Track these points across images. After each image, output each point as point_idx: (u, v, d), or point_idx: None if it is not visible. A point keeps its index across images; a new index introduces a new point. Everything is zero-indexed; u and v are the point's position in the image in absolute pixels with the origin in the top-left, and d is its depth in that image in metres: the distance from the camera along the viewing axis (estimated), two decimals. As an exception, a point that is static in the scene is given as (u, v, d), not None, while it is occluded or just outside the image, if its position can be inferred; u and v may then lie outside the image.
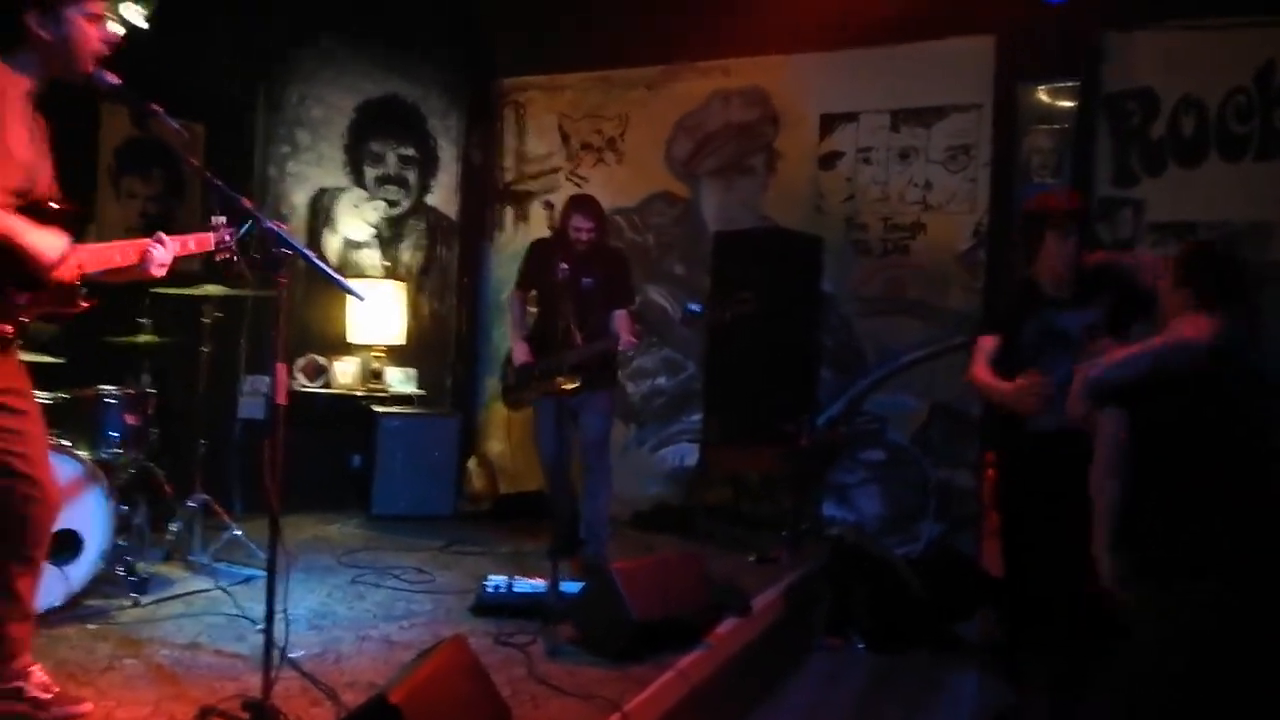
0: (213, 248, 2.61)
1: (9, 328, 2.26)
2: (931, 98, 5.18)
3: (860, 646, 4.20)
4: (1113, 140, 4.78)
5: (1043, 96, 4.91)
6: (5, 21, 2.31)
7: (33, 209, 2.29)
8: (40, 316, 2.35)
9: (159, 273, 2.51)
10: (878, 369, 5.28)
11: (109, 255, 2.45)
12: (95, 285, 2.46)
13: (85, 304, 2.43)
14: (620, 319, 4.08)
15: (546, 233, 3.80)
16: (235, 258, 2.55)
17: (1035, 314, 3.30)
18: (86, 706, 2.45)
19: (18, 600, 2.36)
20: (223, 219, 2.56)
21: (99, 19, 2.32)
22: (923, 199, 5.22)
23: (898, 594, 4.34)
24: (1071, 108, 4.83)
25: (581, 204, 4.20)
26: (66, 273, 2.29)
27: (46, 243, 2.24)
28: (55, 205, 2.37)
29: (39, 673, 2.42)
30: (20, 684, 2.36)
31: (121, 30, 3.98)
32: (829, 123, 5.44)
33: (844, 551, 4.58)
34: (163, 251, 2.50)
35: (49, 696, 2.40)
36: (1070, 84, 4.83)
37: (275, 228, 2.42)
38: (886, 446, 5.24)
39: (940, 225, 5.17)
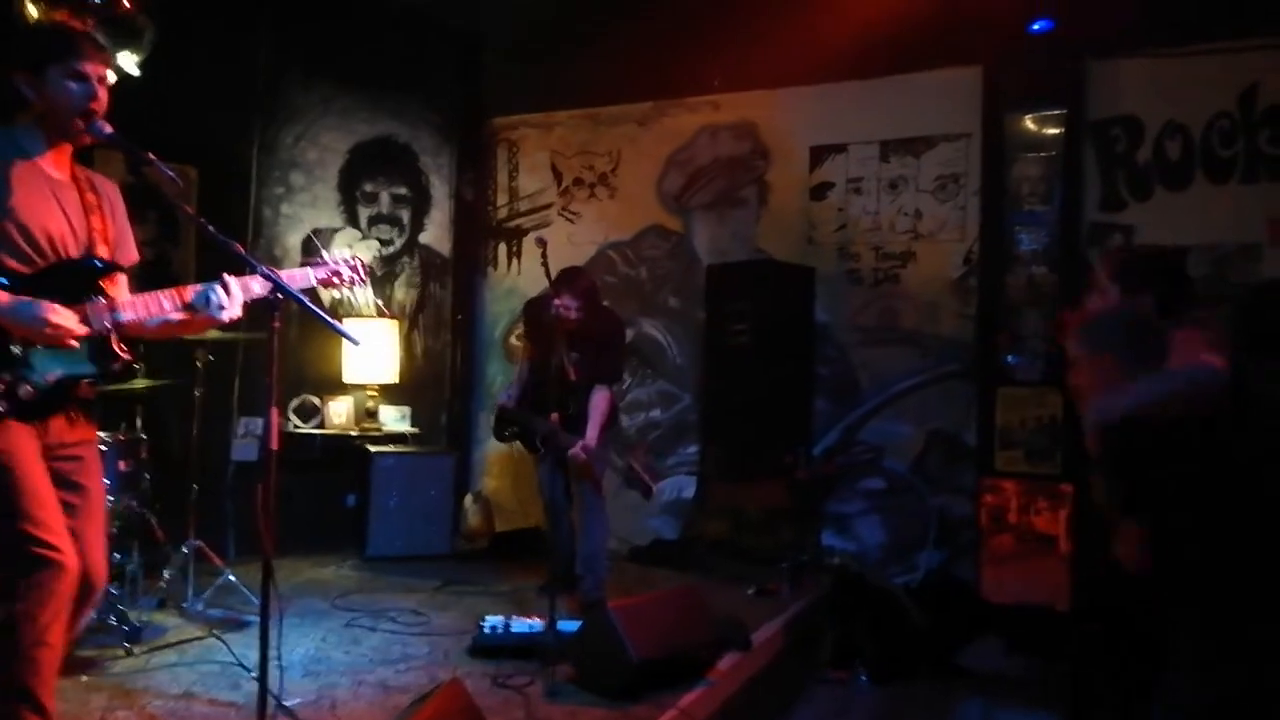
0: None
1: (29, 389, 2.20)
2: (920, 128, 5.23)
3: (863, 678, 4.16)
4: (1100, 166, 4.83)
5: (1030, 125, 4.96)
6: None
7: (58, 268, 2.27)
8: (70, 376, 2.28)
9: (223, 317, 2.39)
10: (873, 397, 5.28)
11: (154, 303, 2.36)
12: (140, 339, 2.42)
13: (126, 355, 2.36)
14: (597, 401, 4.07)
15: (539, 268, 3.79)
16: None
17: None
18: None
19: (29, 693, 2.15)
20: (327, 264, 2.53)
21: (84, 78, 2.27)
22: (913, 228, 5.25)
23: (899, 624, 4.31)
24: (1058, 135, 4.88)
25: (568, 281, 4.07)
26: (64, 341, 2.21)
27: (20, 313, 2.17)
28: (86, 261, 2.32)
29: None
30: None
31: (110, 76, 4.03)
32: (819, 154, 5.49)
33: (846, 582, 4.55)
34: (220, 294, 2.36)
35: None
36: (1057, 112, 4.88)
37: (269, 272, 2.40)
38: (885, 475, 5.23)
39: (931, 254, 5.19)
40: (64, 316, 2.22)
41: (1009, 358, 4.84)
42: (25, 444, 2.20)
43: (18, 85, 2.28)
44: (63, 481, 2.28)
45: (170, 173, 2.34)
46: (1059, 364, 3.05)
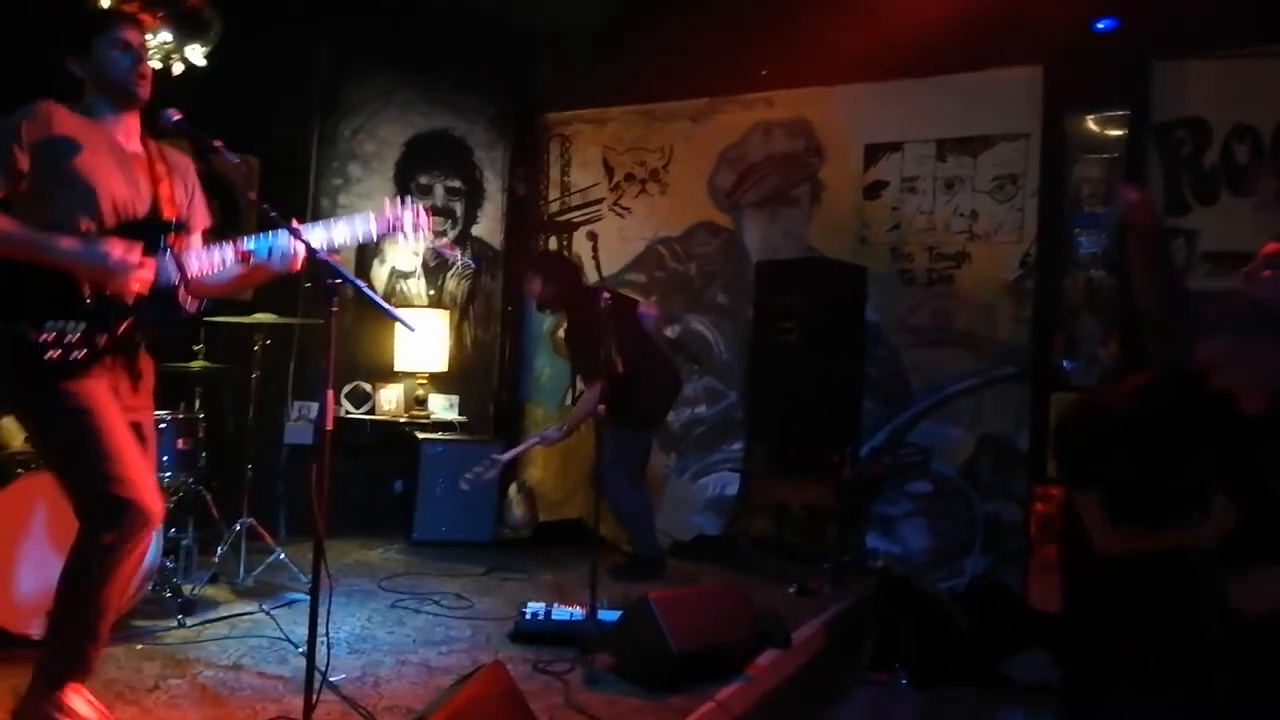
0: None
1: (103, 339, 2.30)
2: (978, 127, 5.15)
3: (904, 682, 4.12)
4: (1163, 169, 4.71)
5: (1092, 125, 4.85)
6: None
7: (125, 227, 2.36)
8: (140, 325, 2.38)
9: (284, 266, 2.44)
10: (923, 399, 5.21)
11: (217, 254, 2.44)
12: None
13: (192, 308, 2.46)
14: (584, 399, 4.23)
15: (589, 262, 3.86)
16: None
17: None
18: None
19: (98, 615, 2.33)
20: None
21: (127, 45, 2.39)
22: (969, 229, 5.17)
23: (943, 629, 4.26)
24: (1121, 137, 4.77)
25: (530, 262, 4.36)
26: (131, 279, 2.30)
27: (83, 251, 2.26)
28: (152, 219, 2.40)
29: (76, 700, 2.32)
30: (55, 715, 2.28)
31: (178, 67, 4.15)
32: (873, 153, 5.44)
33: (891, 584, 4.51)
34: (281, 242, 2.41)
35: None
36: (1120, 113, 4.77)
37: (328, 259, 2.46)
38: (933, 478, 5.16)
39: (987, 255, 5.11)
40: (126, 249, 2.29)
41: (1064, 362, 4.75)
42: (103, 390, 2.31)
43: (72, 70, 2.41)
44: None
45: (235, 159, 2.41)
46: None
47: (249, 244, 2.46)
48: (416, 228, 2.60)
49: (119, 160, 2.42)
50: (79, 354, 2.28)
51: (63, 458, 2.32)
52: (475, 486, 4.33)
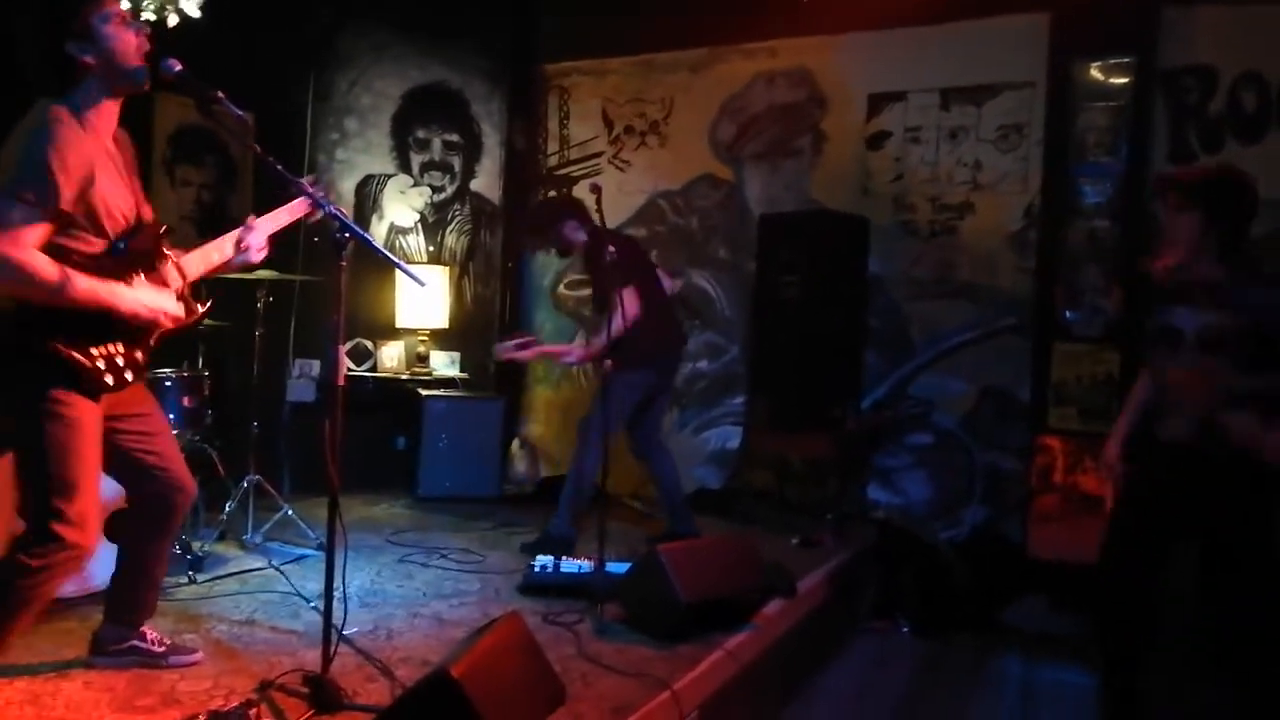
0: (308, 210, 2.60)
1: (130, 374, 2.35)
2: (983, 75, 5.08)
3: (905, 630, 4.19)
4: (1169, 117, 4.67)
5: (1097, 74, 4.79)
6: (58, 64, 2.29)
7: (129, 237, 2.34)
8: (167, 338, 2.47)
9: (259, 258, 2.57)
10: (925, 351, 5.22)
11: (208, 256, 2.51)
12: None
13: (204, 307, 2.53)
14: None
15: (595, 215, 3.79)
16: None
17: (1152, 307, 2.83)
18: (198, 656, 2.70)
19: (151, 572, 2.64)
20: (304, 180, 2.50)
21: (127, 21, 2.29)
22: (972, 179, 5.13)
23: (943, 579, 4.32)
24: (1127, 84, 4.71)
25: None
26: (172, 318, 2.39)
27: (157, 303, 2.33)
28: (148, 234, 2.40)
29: (151, 630, 2.67)
30: (135, 642, 2.62)
31: (173, 18, 4.06)
32: (877, 102, 5.37)
33: (892, 535, 4.56)
34: (258, 236, 2.54)
35: (163, 649, 2.65)
36: (1126, 60, 4.71)
37: (338, 212, 2.45)
38: (934, 430, 5.18)
39: (990, 205, 5.08)
40: (172, 301, 2.37)
41: (1066, 313, 4.74)
42: (96, 420, 2.30)
43: (72, 52, 2.25)
44: (128, 418, 2.42)
45: (238, 112, 2.38)
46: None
47: (231, 244, 2.51)
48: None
49: (113, 168, 2.34)
50: (130, 375, 2.32)
51: (38, 469, 2.25)
52: (499, 357, 4.53)
